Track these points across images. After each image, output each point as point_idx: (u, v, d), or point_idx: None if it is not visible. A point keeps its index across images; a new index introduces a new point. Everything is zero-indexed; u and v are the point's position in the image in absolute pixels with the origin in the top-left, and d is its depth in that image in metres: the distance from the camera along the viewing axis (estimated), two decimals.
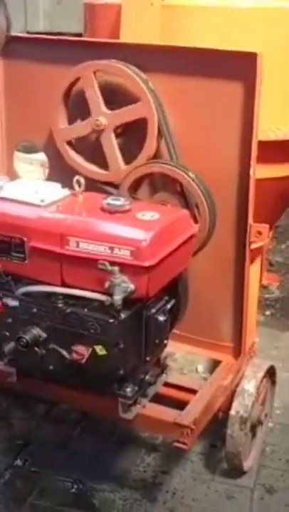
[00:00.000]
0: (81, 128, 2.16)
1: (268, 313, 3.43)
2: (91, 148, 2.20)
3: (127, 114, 2.08)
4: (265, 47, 1.94)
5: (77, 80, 2.14)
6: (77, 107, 2.18)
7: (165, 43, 2.10)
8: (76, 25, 4.11)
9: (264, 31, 2.14)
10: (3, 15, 1.49)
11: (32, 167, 2.72)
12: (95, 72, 2.09)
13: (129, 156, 2.12)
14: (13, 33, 2.26)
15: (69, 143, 2.21)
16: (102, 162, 2.17)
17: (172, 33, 2.17)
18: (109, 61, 2.08)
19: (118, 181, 2.15)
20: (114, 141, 2.12)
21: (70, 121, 2.21)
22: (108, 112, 2.10)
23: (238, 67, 1.94)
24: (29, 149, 2.79)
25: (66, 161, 2.21)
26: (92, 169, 2.19)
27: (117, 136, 2.12)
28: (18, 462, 2.34)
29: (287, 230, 4.35)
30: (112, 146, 2.12)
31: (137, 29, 2.16)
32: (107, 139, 2.12)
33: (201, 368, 2.83)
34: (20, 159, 2.64)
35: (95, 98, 2.10)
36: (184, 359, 2.82)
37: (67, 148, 2.20)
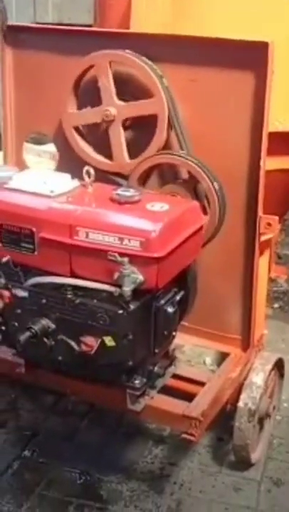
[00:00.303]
0: (90, 115, 2.15)
1: (276, 306, 3.42)
2: (98, 138, 2.19)
3: (139, 108, 2.08)
4: (277, 36, 1.92)
5: (91, 67, 2.12)
6: (87, 96, 2.17)
7: (175, 32, 2.08)
8: (85, 16, 4.10)
9: (276, 20, 2.12)
10: None
11: (41, 159, 2.72)
12: (110, 62, 2.08)
13: (139, 146, 2.11)
14: (23, 23, 2.25)
15: (76, 129, 2.20)
16: (107, 152, 2.16)
17: (183, 22, 2.15)
18: (126, 53, 2.06)
19: (122, 172, 2.14)
20: (122, 134, 2.11)
21: (80, 109, 2.20)
22: (119, 103, 2.09)
23: (249, 57, 1.93)
24: (38, 141, 2.79)
25: (72, 147, 2.20)
26: (97, 158, 2.18)
27: (127, 126, 2.12)
28: (26, 453, 2.35)
29: None
30: (119, 138, 2.12)
31: (148, 18, 2.15)
32: (115, 130, 2.11)
33: (208, 360, 2.83)
34: (30, 151, 2.64)
35: (108, 87, 2.09)
36: (191, 351, 2.81)
37: (74, 133, 2.19)
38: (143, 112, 2.07)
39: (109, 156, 2.17)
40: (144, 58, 2.04)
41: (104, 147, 2.17)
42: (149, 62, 2.04)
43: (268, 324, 2.81)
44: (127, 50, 2.06)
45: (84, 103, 2.18)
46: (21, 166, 2.35)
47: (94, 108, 2.14)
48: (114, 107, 2.09)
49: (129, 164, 2.12)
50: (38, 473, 2.27)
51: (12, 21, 2.30)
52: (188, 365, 2.74)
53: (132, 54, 2.05)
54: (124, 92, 2.10)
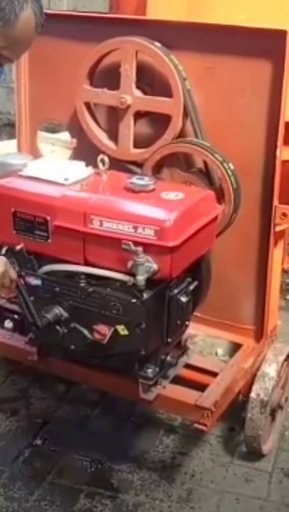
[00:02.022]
0: (104, 96, 2.14)
1: (288, 297, 3.40)
2: (108, 122, 2.19)
3: (155, 105, 2.07)
4: None
5: (112, 51, 2.10)
6: (103, 78, 2.16)
7: (191, 19, 2.07)
8: (100, 4, 4.08)
9: None
10: (31, 8, 1.42)
11: (55, 147, 2.71)
12: (137, 52, 2.06)
13: (154, 135, 2.10)
14: None
15: (87, 106, 2.19)
16: (115, 137, 2.16)
17: (199, 9, 2.14)
18: (155, 47, 2.03)
19: (126, 159, 2.14)
20: (132, 124, 2.11)
21: None
22: (137, 93, 2.08)
23: (267, 45, 1.91)
24: (52, 129, 2.78)
25: (81, 123, 2.19)
26: (103, 140, 2.17)
27: (142, 113, 2.10)
28: (38, 441, 2.35)
29: None
30: (128, 127, 2.11)
31: (164, 5, 2.13)
32: (126, 119, 2.10)
33: (220, 350, 2.82)
34: (44, 139, 2.63)
35: (129, 75, 2.07)
36: (203, 342, 2.80)
37: (84, 109, 2.18)
38: (158, 109, 2.06)
39: (114, 139, 2.17)
40: (166, 51, 2.02)
41: (114, 133, 2.16)
42: (171, 56, 2.02)
43: (281, 316, 2.79)
44: (152, 41, 2.03)
45: (99, 85, 2.17)
46: (36, 154, 2.34)
47: (110, 91, 2.12)
48: (130, 96, 2.07)
49: (135, 154, 2.11)
50: (49, 461, 2.27)
51: None
52: (199, 355, 2.73)
53: (156, 46, 2.03)
54: (140, 78, 2.08)
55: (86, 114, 2.19)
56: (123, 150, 2.13)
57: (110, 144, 2.17)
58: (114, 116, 2.16)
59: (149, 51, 2.04)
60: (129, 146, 2.12)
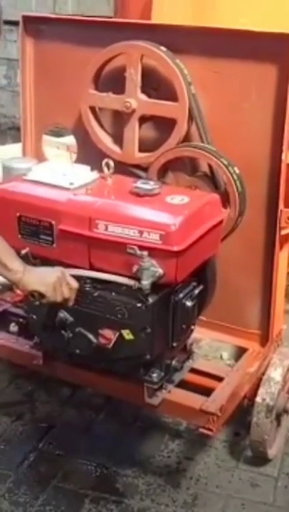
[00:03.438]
0: (110, 100, 2.14)
1: None
2: (114, 126, 2.19)
3: (160, 109, 2.07)
4: None
5: (117, 55, 2.11)
6: (108, 82, 2.16)
7: (197, 23, 2.07)
8: (105, 8, 4.09)
9: None
10: None
11: (60, 151, 2.71)
12: (142, 56, 2.06)
13: (159, 139, 2.09)
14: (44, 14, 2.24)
15: (93, 111, 2.19)
16: (119, 141, 2.16)
17: (204, 13, 2.14)
18: (160, 51, 2.03)
19: (131, 163, 2.14)
20: (137, 128, 2.11)
21: None
22: (142, 97, 2.08)
23: (273, 49, 1.91)
24: (57, 133, 2.78)
25: (86, 127, 2.19)
26: (108, 144, 2.17)
27: (147, 117, 2.10)
28: (43, 445, 2.35)
29: None
30: (133, 131, 2.11)
31: (169, 10, 2.13)
32: (131, 123, 2.10)
33: (225, 355, 2.81)
34: (48, 143, 2.63)
35: (134, 79, 2.07)
36: (208, 346, 2.79)
37: (89, 113, 2.18)
38: (163, 113, 2.06)
39: (119, 143, 2.17)
40: (172, 56, 2.02)
41: (118, 136, 2.17)
42: (176, 61, 2.02)
43: (287, 320, 2.79)
44: (157, 45, 2.03)
45: (104, 89, 2.17)
46: (41, 157, 2.34)
47: (115, 95, 2.12)
48: (135, 100, 2.07)
49: (140, 158, 2.12)
50: (54, 466, 2.26)
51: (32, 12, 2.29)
52: (205, 359, 2.72)
53: (161, 50, 2.03)
54: (146, 82, 2.08)
55: (91, 118, 2.19)
56: (128, 154, 2.14)
57: (115, 148, 2.18)
58: (119, 120, 2.16)
59: (154, 55, 2.04)
60: (134, 150, 2.12)
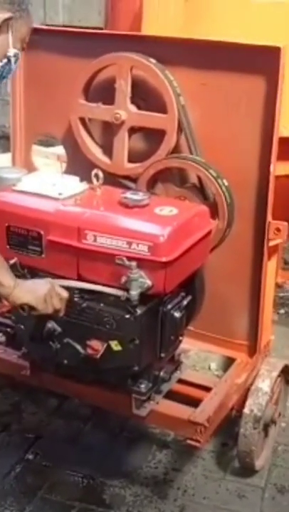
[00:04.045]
0: (99, 111, 2.14)
1: (282, 311, 3.40)
2: (103, 137, 2.19)
3: (149, 120, 2.08)
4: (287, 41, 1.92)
5: (106, 67, 2.11)
6: (98, 93, 2.16)
7: (187, 35, 2.08)
8: (95, 18, 4.10)
9: (287, 25, 2.12)
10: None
11: (49, 161, 2.71)
12: (132, 67, 2.07)
13: (148, 150, 2.10)
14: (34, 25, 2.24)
15: (82, 122, 2.19)
16: (109, 151, 2.17)
17: (194, 26, 2.15)
18: (150, 64, 2.04)
19: (119, 173, 2.15)
20: (126, 139, 2.11)
21: None
22: (131, 108, 2.08)
23: (261, 61, 1.93)
24: (47, 143, 2.79)
25: (75, 137, 2.19)
26: (98, 155, 2.17)
27: (137, 128, 2.11)
28: (29, 456, 2.34)
29: None
30: (122, 142, 2.12)
31: (159, 22, 2.15)
32: (121, 134, 2.11)
33: (214, 365, 2.81)
34: (38, 153, 2.63)
35: (124, 91, 2.08)
36: (196, 356, 2.80)
37: (79, 123, 2.18)
38: (153, 125, 2.07)
39: (108, 154, 2.18)
40: (161, 68, 2.03)
41: (108, 146, 2.17)
42: (166, 73, 2.03)
43: (274, 330, 2.79)
44: (147, 57, 2.04)
45: (94, 99, 2.18)
46: (30, 167, 2.34)
47: (105, 106, 2.12)
48: (125, 111, 2.08)
49: (129, 169, 2.12)
50: (40, 477, 2.25)
51: None
52: (192, 370, 2.72)
53: (151, 62, 2.04)
54: (135, 93, 2.09)
55: (81, 128, 2.20)
56: (117, 165, 2.14)
57: (104, 158, 2.18)
58: (108, 130, 2.17)
59: (143, 67, 2.05)
60: (124, 161, 2.13)
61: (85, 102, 2.17)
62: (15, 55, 1.60)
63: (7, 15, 1.55)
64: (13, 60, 1.60)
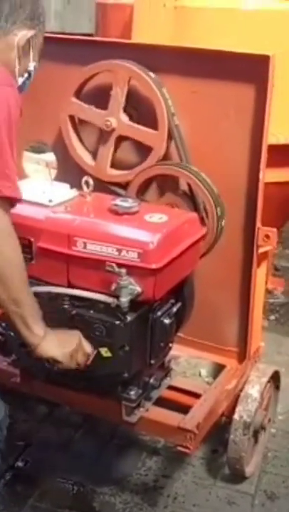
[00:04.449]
0: (91, 113, 2.14)
1: (272, 318, 3.41)
2: (91, 140, 2.20)
3: (138, 134, 2.08)
4: (278, 49, 1.93)
5: (98, 73, 2.12)
6: (90, 97, 2.17)
7: (177, 44, 2.09)
8: (87, 25, 4.12)
9: (276, 33, 2.13)
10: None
11: (39, 167, 2.71)
12: (130, 78, 2.07)
13: (139, 157, 2.11)
14: None
15: (72, 120, 2.19)
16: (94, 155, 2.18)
17: (184, 34, 2.16)
18: (148, 77, 2.04)
19: (100, 178, 2.15)
20: (112, 148, 2.12)
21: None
22: (123, 118, 2.09)
23: (251, 70, 1.94)
24: (37, 149, 2.78)
25: (64, 139, 2.19)
26: (83, 158, 2.18)
27: (126, 137, 2.12)
28: (19, 464, 2.33)
29: None
30: (108, 149, 2.12)
31: (149, 30, 2.16)
32: (108, 142, 2.11)
33: (204, 371, 2.82)
34: (29, 159, 2.63)
35: (119, 99, 2.08)
36: (186, 363, 2.80)
37: (68, 121, 2.18)
38: (141, 139, 2.07)
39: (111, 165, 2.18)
40: (158, 83, 2.03)
41: (94, 150, 2.19)
42: (160, 88, 2.04)
43: (264, 336, 2.79)
44: (146, 70, 2.05)
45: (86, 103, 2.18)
46: (21, 175, 2.34)
47: (98, 110, 2.12)
48: (116, 120, 2.08)
49: (111, 175, 2.13)
50: (30, 484, 2.25)
51: None
52: (183, 376, 2.73)
53: (153, 81, 2.04)
54: (128, 102, 2.10)
55: (70, 128, 2.18)
56: (100, 170, 2.14)
57: (90, 161, 2.17)
58: (96, 135, 2.16)
59: (141, 80, 2.05)
60: (106, 167, 2.13)
61: (76, 101, 2.16)
62: (34, 68, 1.61)
63: (31, 33, 1.54)
64: (33, 72, 1.61)
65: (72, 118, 2.19)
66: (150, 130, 2.05)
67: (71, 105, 2.17)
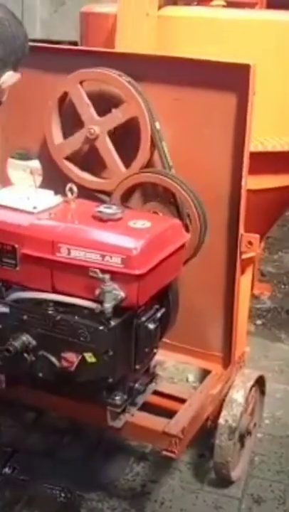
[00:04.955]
0: (76, 141, 2.17)
1: (259, 322, 3.43)
2: (86, 157, 2.21)
3: (117, 116, 2.09)
4: (259, 58, 1.96)
5: (66, 93, 2.15)
6: (71, 116, 2.19)
7: (160, 53, 2.11)
8: (73, 33, 4.12)
9: (258, 43, 2.16)
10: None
11: (25, 174, 2.72)
12: (81, 82, 2.10)
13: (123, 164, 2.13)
14: None
15: (68, 159, 2.22)
16: (97, 169, 2.19)
17: (167, 43, 2.18)
18: (93, 69, 2.07)
19: (110, 189, 2.16)
20: (111, 145, 2.12)
21: (65, 132, 2.22)
22: (99, 119, 2.11)
23: (232, 78, 1.96)
24: (23, 157, 2.80)
25: (67, 174, 2.21)
26: (93, 180, 2.20)
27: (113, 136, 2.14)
28: (7, 470, 2.33)
29: (279, 240, 4.37)
30: (109, 150, 2.13)
31: (132, 39, 2.17)
32: (103, 144, 2.12)
33: (191, 377, 2.83)
34: (14, 166, 2.64)
35: (85, 109, 2.11)
36: (174, 368, 2.81)
37: (67, 163, 2.21)
38: (123, 117, 2.07)
39: (98, 173, 2.20)
40: (143, 94, 2.06)
41: (91, 164, 2.20)
42: (114, 71, 2.06)
43: (251, 341, 2.82)
44: (103, 68, 2.07)
45: (69, 125, 2.20)
46: (5, 182, 2.35)
47: (77, 133, 2.15)
48: (96, 125, 2.11)
49: (125, 174, 2.13)
50: (18, 491, 2.25)
51: None
52: (170, 382, 2.74)
53: (101, 68, 2.07)
54: (103, 110, 2.12)
55: (71, 167, 2.21)
56: (116, 175, 2.14)
57: (104, 180, 2.19)
58: (90, 152, 2.19)
59: (90, 75, 2.09)
60: (121, 168, 2.13)
61: (61, 141, 2.20)
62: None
63: (16, 76, 1.54)
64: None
65: (68, 158, 2.22)
66: (122, 105, 2.06)
67: (60, 148, 2.20)
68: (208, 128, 2.05)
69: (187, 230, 2.07)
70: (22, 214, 1.91)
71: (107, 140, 2.12)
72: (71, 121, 2.19)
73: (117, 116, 2.09)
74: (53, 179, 2.21)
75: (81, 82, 2.11)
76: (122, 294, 1.76)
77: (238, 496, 2.30)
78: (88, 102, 2.11)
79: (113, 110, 2.09)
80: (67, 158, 2.22)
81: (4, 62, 1.54)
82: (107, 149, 2.13)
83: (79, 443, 2.48)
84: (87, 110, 2.11)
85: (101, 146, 2.13)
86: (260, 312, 3.52)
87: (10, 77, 1.56)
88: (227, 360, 2.29)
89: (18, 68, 1.60)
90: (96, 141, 2.13)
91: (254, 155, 2.06)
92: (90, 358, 1.82)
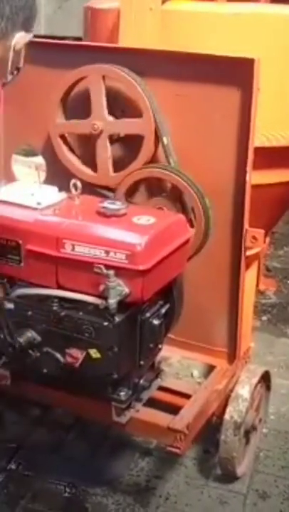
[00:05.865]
0: (77, 125, 2.16)
1: (264, 318, 3.43)
2: (85, 150, 2.20)
3: (126, 126, 2.09)
4: (264, 53, 1.95)
5: (81, 79, 2.13)
6: (75, 107, 2.18)
7: (163, 47, 2.10)
8: (77, 29, 4.11)
9: (262, 37, 2.15)
10: None
11: (30, 170, 2.72)
12: (104, 76, 2.09)
13: (126, 159, 2.12)
14: None
15: (63, 138, 2.20)
16: (93, 164, 2.18)
17: (171, 38, 2.17)
18: (118, 69, 2.06)
19: (105, 184, 2.16)
20: (109, 148, 2.12)
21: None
22: (108, 118, 2.10)
23: (236, 73, 1.95)
24: (27, 152, 2.80)
25: (59, 158, 2.20)
26: (81, 168, 2.19)
27: (115, 138, 2.13)
28: (12, 466, 2.34)
29: (285, 236, 4.36)
30: (105, 151, 2.13)
31: (136, 34, 2.17)
32: (102, 143, 2.12)
33: (196, 372, 2.83)
34: (19, 162, 2.64)
35: (99, 101, 2.09)
36: (179, 364, 2.82)
37: (60, 142, 2.19)
38: (130, 130, 2.08)
39: (95, 168, 2.18)
40: (134, 75, 2.05)
41: (90, 159, 2.19)
42: (138, 79, 2.05)
43: (256, 337, 2.82)
44: (120, 67, 2.06)
45: (72, 115, 2.19)
46: (10, 178, 2.35)
47: (82, 120, 2.14)
48: (102, 121, 2.10)
49: (114, 177, 2.14)
50: (23, 486, 2.26)
51: None
52: (176, 377, 2.74)
53: (123, 70, 2.06)
54: (114, 107, 2.11)
55: (63, 146, 2.20)
56: (103, 175, 2.14)
57: (91, 172, 2.18)
58: (91, 144, 2.18)
59: (113, 74, 2.06)
60: (109, 171, 2.13)
61: (62, 121, 2.19)
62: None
63: (28, 37, 1.53)
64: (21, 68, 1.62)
65: (62, 136, 2.21)
66: (135, 119, 2.06)
67: (58, 126, 2.19)
68: (212, 123, 2.04)
69: (192, 225, 2.06)
70: (26, 210, 1.91)
71: (107, 141, 2.12)
72: (74, 114, 2.18)
73: (128, 127, 2.09)
74: (57, 175, 2.21)
75: (104, 77, 2.09)
76: (127, 290, 1.76)
77: (243, 492, 2.30)
78: (105, 99, 2.10)
79: (126, 120, 2.09)
80: (65, 142, 2.20)
81: (13, 21, 1.51)
82: (104, 147, 2.12)
83: (84, 439, 2.49)
84: (101, 107, 2.10)
85: (100, 142, 2.12)
86: (265, 307, 3.51)
87: (22, 37, 1.53)
88: (232, 356, 2.29)
89: (29, 29, 1.56)
90: (97, 137, 2.12)
91: (258, 150, 2.05)
92: (94, 353, 1.82)
